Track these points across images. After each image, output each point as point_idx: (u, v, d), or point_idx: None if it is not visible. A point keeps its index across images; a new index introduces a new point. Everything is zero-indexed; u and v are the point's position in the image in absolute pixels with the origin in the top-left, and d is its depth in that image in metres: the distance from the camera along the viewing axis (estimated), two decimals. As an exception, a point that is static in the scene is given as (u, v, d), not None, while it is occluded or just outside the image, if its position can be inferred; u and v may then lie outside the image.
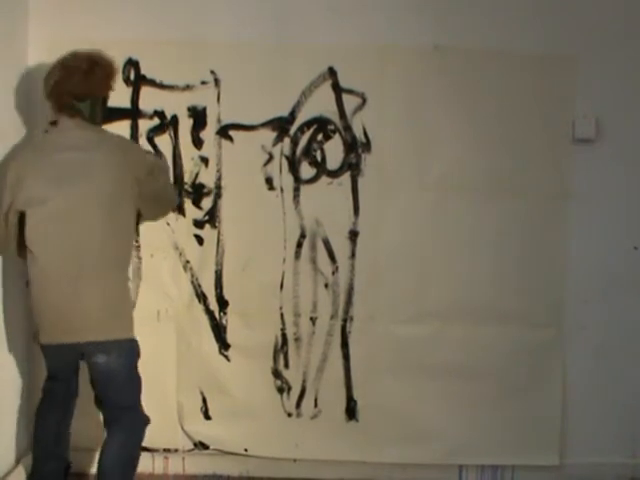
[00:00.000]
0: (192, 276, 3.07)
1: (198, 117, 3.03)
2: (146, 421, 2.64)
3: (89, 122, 2.58)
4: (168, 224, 3.05)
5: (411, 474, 3.14)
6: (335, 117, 3.04)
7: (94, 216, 2.49)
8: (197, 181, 3.06)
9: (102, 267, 2.51)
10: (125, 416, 2.58)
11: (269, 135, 3.04)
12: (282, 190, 3.06)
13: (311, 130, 3.05)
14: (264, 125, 3.03)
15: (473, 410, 3.11)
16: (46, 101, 2.60)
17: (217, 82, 3.02)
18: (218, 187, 3.05)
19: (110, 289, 2.53)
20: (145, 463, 3.06)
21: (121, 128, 2.99)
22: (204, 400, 3.11)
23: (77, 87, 2.54)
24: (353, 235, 3.08)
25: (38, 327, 2.58)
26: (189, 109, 3.03)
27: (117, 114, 2.98)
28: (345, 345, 3.10)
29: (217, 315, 3.09)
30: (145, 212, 2.71)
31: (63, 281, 2.47)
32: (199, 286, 3.07)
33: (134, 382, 2.62)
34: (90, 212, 2.49)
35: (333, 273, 3.08)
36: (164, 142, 3.04)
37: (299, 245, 3.07)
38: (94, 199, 2.49)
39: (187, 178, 3.05)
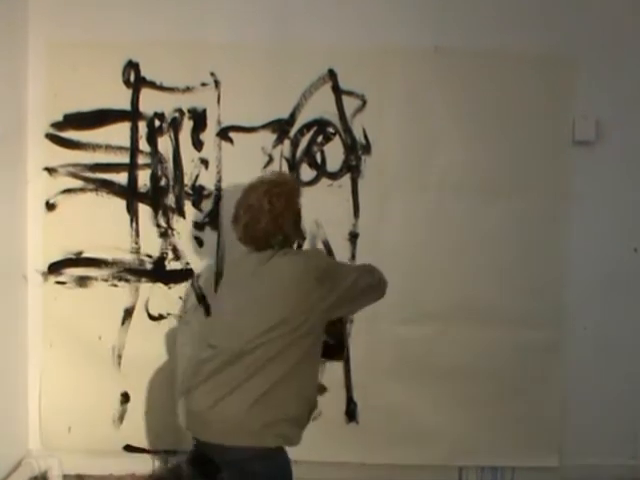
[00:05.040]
0: (192, 278, 3.07)
1: (198, 119, 3.03)
2: None
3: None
4: (169, 227, 3.05)
5: (411, 475, 3.13)
6: (335, 119, 3.04)
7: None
8: (197, 183, 3.06)
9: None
10: None
11: (269, 137, 3.04)
12: (282, 192, 3.06)
13: (311, 132, 3.05)
14: (264, 127, 3.03)
15: (473, 411, 3.10)
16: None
17: (217, 84, 3.02)
18: (218, 189, 3.05)
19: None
20: (145, 464, 3.07)
21: (121, 130, 3.01)
22: (204, 401, 3.11)
23: (267, 227, 2.44)
24: (353, 237, 3.08)
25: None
26: (189, 111, 3.03)
27: (117, 116, 3.00)
28: (345, 347, 3.11)
29: (217, 317, 3.09)
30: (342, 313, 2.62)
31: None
32: (199, 288, 3.07)
33: None
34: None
35: (333, 275, 3.08)
36: (164, 144, 3.04)
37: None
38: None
39: (187, 180, 3.05)
